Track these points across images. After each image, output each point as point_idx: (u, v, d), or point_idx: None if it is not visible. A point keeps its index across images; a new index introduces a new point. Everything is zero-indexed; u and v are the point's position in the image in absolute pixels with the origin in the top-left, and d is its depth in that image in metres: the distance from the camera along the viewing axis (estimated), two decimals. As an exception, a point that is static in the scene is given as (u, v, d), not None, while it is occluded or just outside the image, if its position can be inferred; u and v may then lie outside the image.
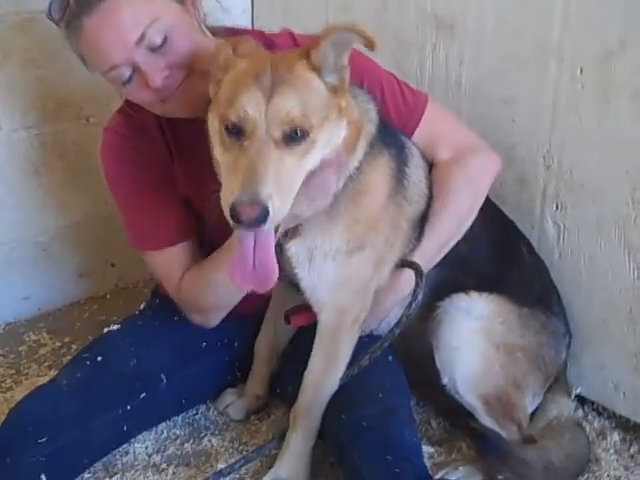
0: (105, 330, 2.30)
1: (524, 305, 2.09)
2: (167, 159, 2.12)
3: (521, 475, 1.96)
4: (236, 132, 1.63)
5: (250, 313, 2.28)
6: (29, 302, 2.86)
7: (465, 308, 2.04)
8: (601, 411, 2.29)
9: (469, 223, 2.07)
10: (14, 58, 2.61)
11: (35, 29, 2.61)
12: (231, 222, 1.56)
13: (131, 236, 2.17)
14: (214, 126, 1.71)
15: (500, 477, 1.96)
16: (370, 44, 1.64)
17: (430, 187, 2.05)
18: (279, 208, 1.57)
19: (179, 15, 1.89)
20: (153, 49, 1.83)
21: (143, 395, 2.10)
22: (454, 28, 2.33)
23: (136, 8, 1.82)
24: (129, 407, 2.07)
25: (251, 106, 1.61)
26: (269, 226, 1.59)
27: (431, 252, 2.04)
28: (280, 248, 1.85)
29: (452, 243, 2.06)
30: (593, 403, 2.31)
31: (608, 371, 2.23)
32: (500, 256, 2.14)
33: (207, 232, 2.13)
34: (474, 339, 2.03)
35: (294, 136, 1.61)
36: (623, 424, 2.24)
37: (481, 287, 2.07)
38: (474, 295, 2.05)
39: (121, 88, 1.92)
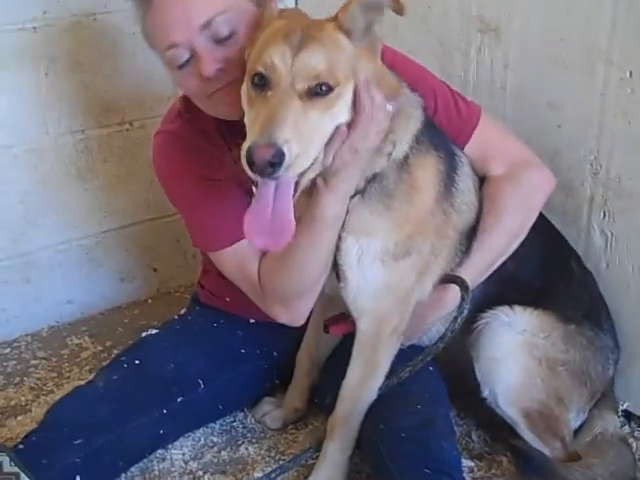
0: (143, 334, 2.31)
1: (571, 321, 2.04)
2: (228, 156, 2.02)
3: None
4: (262, 84, 1.62)
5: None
6: (72, 306, 2.90)
7: (507, 322, 2.00)
8: (649, 425, 2.23)
9: (520, 240, 2.03)
10: (60, 62, 2.64)
11: (81, 33, 2.65)
12: (248, 171, 1.54)
13: (198, 239, 2.11)
14: (244, 87, 1.70)
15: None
16: (399, 8, 1.64)
17: (480, 199, 2.02)
18: (297, 155, 1.54)
19: (249, 13, 1.84)
20: (217, 40, 1.80)
21: (180, 399, 2.10)
22: (499, 31, 2.29)
23: None
24: (165, 411, 2.07)
25: (278, 57, 1.61)
26: (285, 173, 1.54)
27: (479, 268, 2.01)
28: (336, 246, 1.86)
29: (501, 260, 2.03)
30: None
31: (655, 384, 2.16)
32: (548, 272, 2.10)
33: None
34: (515, 352, 1.99)
35: (319, 91, 1.60)
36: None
37: (526, 302, 2.03)
38: (518, 310, 2.02)
39: (174, 72, 1.88)
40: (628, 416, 2.24)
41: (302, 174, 1.62)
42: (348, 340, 2.02)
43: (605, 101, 2.08)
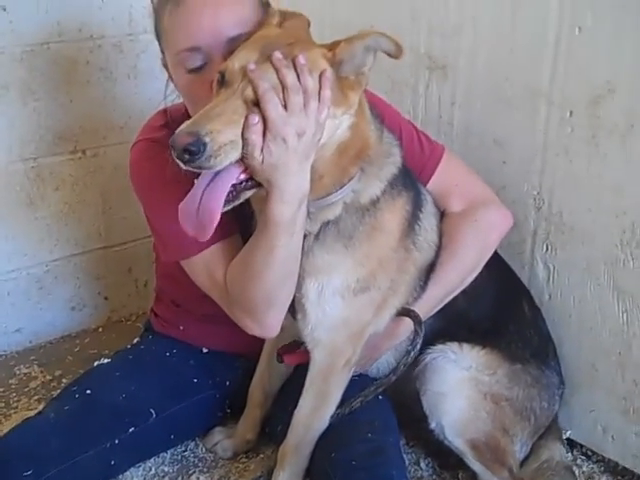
0: (95, 364, 2.29)
1: (517, 360, 2.09)
2: None
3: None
4: (220, 84, 1.64)
5: (244, 353, 2.29)
6: (21, 334, 2.86)
7: (454, 359, 2.04)
8: (590, 455, 2.27)
9: (473, 276, 2.08)
10: (13, 90, 2.63)
11: (35, 61, 2.64)
12: (177, 160, 1.55)
13: (170, 248, 2.03)
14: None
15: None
16: (398, 52, 1.64)
17: (440, 237, 2.05)
18: (224, 145, 1.54)
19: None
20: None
21: (131, 429, 2.08)
22: (446, 69, 2.36)
23: (243, 11, 1.81)
24: (117, 441, 2.06)
25: (240, 61, 1.61)
26: (206, 163, 1.54)
27: (433, 302, 2.05)
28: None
29: (454, 294, 2.07)
30: (582, 447, 2.29)
31: (597, 415, 2.22)
32: (499, 312, 2.14)
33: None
34: (461, 386, 2.03)
35: None
36: (612, 468, 2.22)
37: (475, 339, 2.07)
38: (466, 347, 2.06)
39: (181, 74, 1.86)
40: (571, 444, 2.29)
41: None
42: (300, 370, 2.04)
43: (547, 139, 2.15)
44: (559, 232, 2.19)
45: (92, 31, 2.73)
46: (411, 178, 1.99)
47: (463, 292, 2.08)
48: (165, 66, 1.95)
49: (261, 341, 2.20)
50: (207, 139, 1.52)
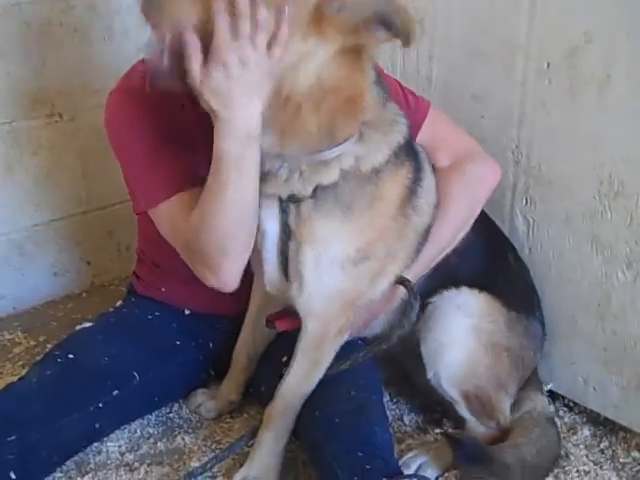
0: (77, 327, 2.30)
1: (512, 309, 2.09)
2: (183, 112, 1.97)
3: (500, 477, 1.95)
4: None
5: (226, 314, 2.29)
6: (4, 301, 2.85)
7: (457, 304, 2.04)
8: (572, 406, 2.30)
9: (464, 232, 2.07)
10: (-16, 54, 2.58)
11: (6, 23, 2.59)
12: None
13: (139, 198, 2.02)
14: None
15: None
16: (406, 40, 1.61)
17: (438, 195, 2.03)
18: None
19: None
20: None
21: (115, 392, 2.08)
22: (424, 22, 2.33)
23: None
24: (101, 405, 2.05)
25: None
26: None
27: (427, 261, 2.04)
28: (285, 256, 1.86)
29: (446, 252, 2.07)
30: (564, 398, 2.31)
31: (578, 366, 2.24)
32: (488, 266, 2.13)
33: None
34: (464, 337, 2.04)
35: None
36: (593, 419, 2.24)
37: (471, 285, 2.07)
38: (465, 290, 2.05)
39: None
40: (552, 396, 2.31)
41: None
42: (284, 333, 2.05)
43: (525, 92, 2.14)
44: (538, 185, 2.19)
45: (65, -9, 2.68)
46: (414, 148, 1.96)
47: (454, 249, 2.08)
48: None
49: (244, 302, 2.20)
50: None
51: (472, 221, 2.08)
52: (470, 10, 2.22)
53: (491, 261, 2.14)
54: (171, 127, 1.97)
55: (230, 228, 1.79)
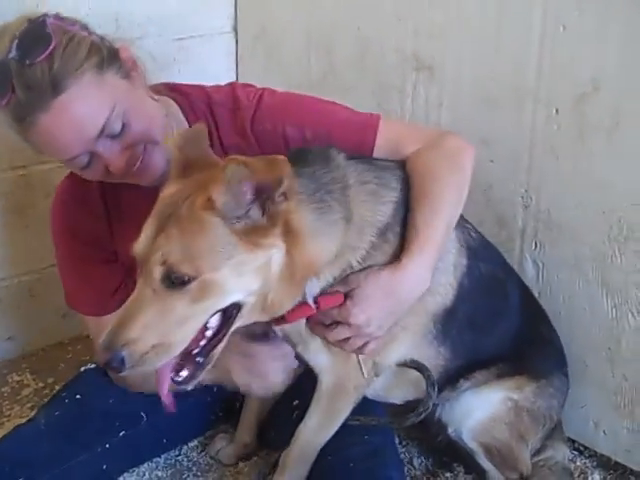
0: (82, 368, 2.28)
1: (541, 377, 2.08)
2: (105, 227, 2.06)
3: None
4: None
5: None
6: (13, 342, 2.85)
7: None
8: (582, 450, 2.29)
9: (461, 206, 1.89)
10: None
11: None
12: None
13: (67, 295, 2.14)
14: None
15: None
16: (276, 184, 1.49)
17: (460, 281, 1.93)
18: (153, 347, 1.48)
19: (129, 93, 1.77)
20: (113, 136, 1.73)
21: (123, 433, 2.08)
22: (433, 70, 2.37)
23: (92, 100, 1.69)
24: (108, 445, 2.05)
25: (140, 244, 1.54)
26: (133, 370, 1.49)
27: (434, 242, 1.81)
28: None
29: (454, 222, 1.88)
30: (575, 442, 2.30)
31: (588, 410, 2.23)
32: (521, 342, 2.07)
33: None
34: (489, 403, 2.04)
35: (174, 281, 1.48)
36: (604, 463, 2.23)
37: (500, 374, 2.05)
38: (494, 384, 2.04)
39: (79, 171, 1.83)
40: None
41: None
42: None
43: (534, 137, 2.17)
44: (547, 230, 2.20)
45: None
46: None
47: (481, 332, 2.02)
48: None
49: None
50: (124, 352, 1.47)
51: (466, 188, 1.89)
52: (479, 56, 2.25)
53: (523, 338, 2.08)
54: (100, 248, 2.06)
55: None
